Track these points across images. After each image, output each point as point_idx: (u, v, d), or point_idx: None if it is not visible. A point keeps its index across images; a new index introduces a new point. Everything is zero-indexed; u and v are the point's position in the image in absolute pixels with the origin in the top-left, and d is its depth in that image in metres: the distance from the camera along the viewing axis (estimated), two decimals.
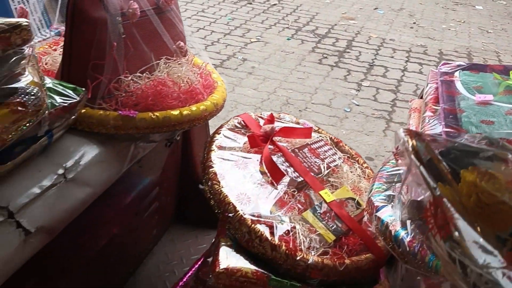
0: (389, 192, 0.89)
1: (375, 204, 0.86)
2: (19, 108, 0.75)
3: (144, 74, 1.07)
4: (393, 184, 0.90)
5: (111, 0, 0.99)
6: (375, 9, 4.99)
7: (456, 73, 1.08)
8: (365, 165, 1.22)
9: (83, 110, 0.97)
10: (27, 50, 0.81)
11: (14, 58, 0.78)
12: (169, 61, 1.13)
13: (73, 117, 0.94)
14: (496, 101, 1.00)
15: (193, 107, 1.07)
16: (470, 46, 4.13)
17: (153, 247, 1.58)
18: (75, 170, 0.91)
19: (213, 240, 1.05)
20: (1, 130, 0.73)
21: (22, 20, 0.78)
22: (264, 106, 2.82)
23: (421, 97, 1.20)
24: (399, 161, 0.67)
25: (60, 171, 0.89)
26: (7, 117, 0.74)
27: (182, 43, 1.12)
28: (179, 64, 1.14)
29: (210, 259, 0.95)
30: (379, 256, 0.95)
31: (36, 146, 0.87)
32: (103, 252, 1.22)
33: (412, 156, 0.58)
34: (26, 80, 0.80)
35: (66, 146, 0.95)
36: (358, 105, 2.90)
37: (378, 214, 0.84)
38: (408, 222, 0.73)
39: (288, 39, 3.91)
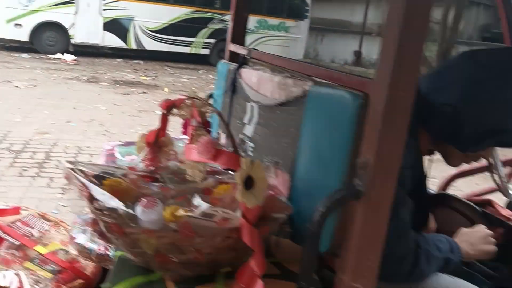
0: (84, 228, 1.32)
1: (73, 236, 1.28)
2: None
3: None
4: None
5: None
6: (68, 122, 5.46)
7: (116, 148, 1.69)
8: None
9: None
10: None
11: None
12: None
13: None
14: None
15: None
16: None
17: None
18: None
19: None
20: None
21: None
22: None
23: None
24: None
25: None
26: None
27: None
28: None
29: None
30: (86, 278, 1.36)
31: None
32: None
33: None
34: None
35: None
36: (65, 206, 3.20)
37: (76, 240, 1.26)
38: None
39: None
